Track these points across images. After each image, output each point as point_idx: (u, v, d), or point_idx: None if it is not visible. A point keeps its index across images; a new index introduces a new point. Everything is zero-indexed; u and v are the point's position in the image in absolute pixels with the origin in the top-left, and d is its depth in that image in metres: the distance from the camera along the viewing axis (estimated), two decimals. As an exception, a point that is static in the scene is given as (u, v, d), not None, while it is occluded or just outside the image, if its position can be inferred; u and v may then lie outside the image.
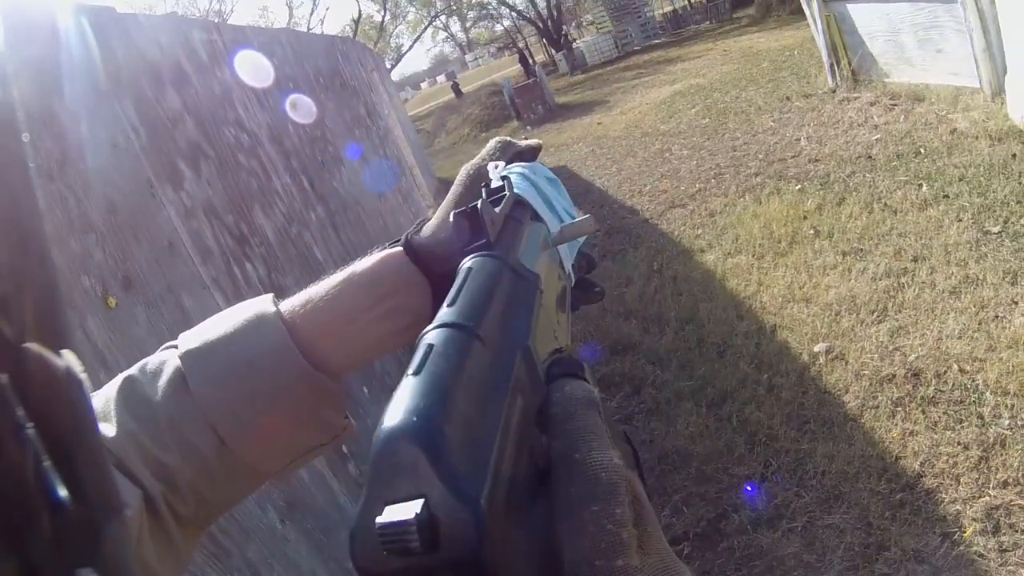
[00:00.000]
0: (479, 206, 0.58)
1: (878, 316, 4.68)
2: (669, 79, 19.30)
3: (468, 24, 60.44)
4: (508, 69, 55.29)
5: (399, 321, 0.81)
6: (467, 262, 0.53)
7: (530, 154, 0.93)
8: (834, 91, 10.21)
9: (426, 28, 57.59)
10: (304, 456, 0.81)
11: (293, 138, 5.45)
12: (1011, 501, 3.05)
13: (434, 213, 0.86)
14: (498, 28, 60.49)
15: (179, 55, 3.63)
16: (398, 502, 0.32)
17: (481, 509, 0.32)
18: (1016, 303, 4.25)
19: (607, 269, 7.05)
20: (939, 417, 3.61)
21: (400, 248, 0.83)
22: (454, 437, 0.34)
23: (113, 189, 2.51)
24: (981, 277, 4.64)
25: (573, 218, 0.81)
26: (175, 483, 0.71)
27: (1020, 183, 5.61)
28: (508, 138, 0.93)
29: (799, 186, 7.37)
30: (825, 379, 4.26)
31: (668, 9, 41.42)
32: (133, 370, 0.75)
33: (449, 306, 0.45)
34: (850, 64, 10.03)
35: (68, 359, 0.25)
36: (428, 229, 0.83)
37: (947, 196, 5.90)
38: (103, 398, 0.72)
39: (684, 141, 11.30)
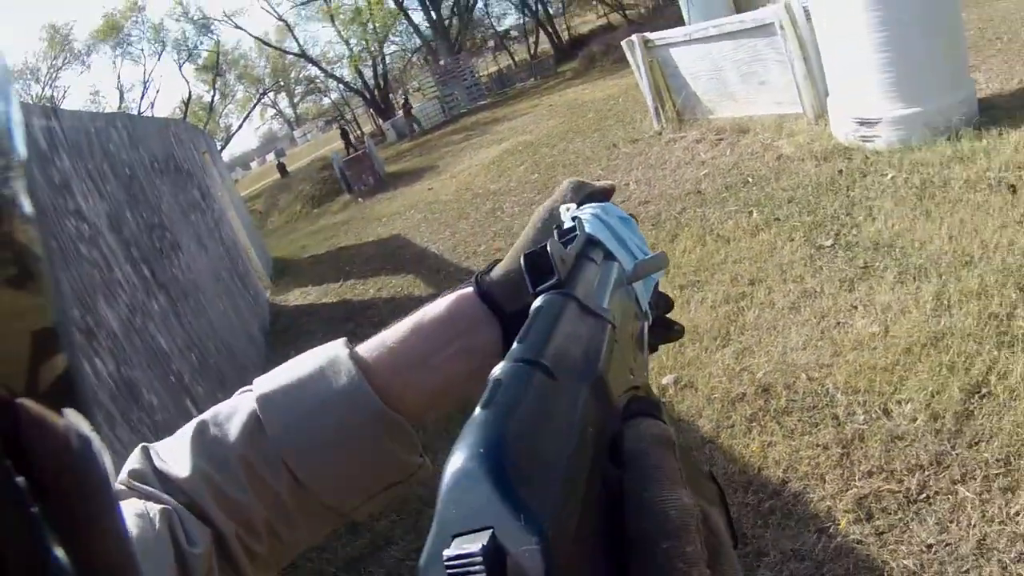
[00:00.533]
0: (548, 245, 0.57)
1: (721, 341, 4.83)
2: (497, 138, 19.78)
3: (296, 99, 60.98)
4: (337, 143, 56.04)
5: (471, 362, 0.82)
6: (538, 301, 0.53)
7: (602, 195, 0.93)
8: (660, 133, 10.62)
9: (255, 106, 58.68)
10: (379, 495, 0.82)
11: (132, 225, 5.47)
12: (879, 488, 3.17)
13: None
14: (326, 101, 61.48)
15: None
16: (465, 535, 0.32)
17: (548, 540, 0.32)
18: (855, 307, 4.46)
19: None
20: (795, 425, 3.73)
21: (471, 289, 0.85)
22: (521, 468, 0.35)
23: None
24: (819, 289, 4.87)
25: (647, 256, 0.81)
26: (250, 521, 0.74)
27: (848, 196, 5.95)
28: (581, 179, 0.95)
29: (631, 229, 7.56)
30: (677, 408, 4.35)
31: (493, 69, 42.40)
32: (208, 414, 0.78)
33: (520, 343, 0.45)
34: (675, 105, 10.48)
35: (72, 418, 0.24)
36: (499, 269, 0.86)
37: (778, 219, 6.18)
38: (179, 440, 0.76)
39: (515, 198, 11.52)
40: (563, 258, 0.59)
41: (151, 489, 0.73)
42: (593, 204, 0.88)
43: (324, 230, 18.63)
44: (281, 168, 44.33)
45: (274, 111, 65.34)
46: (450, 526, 0.33)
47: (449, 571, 0.31)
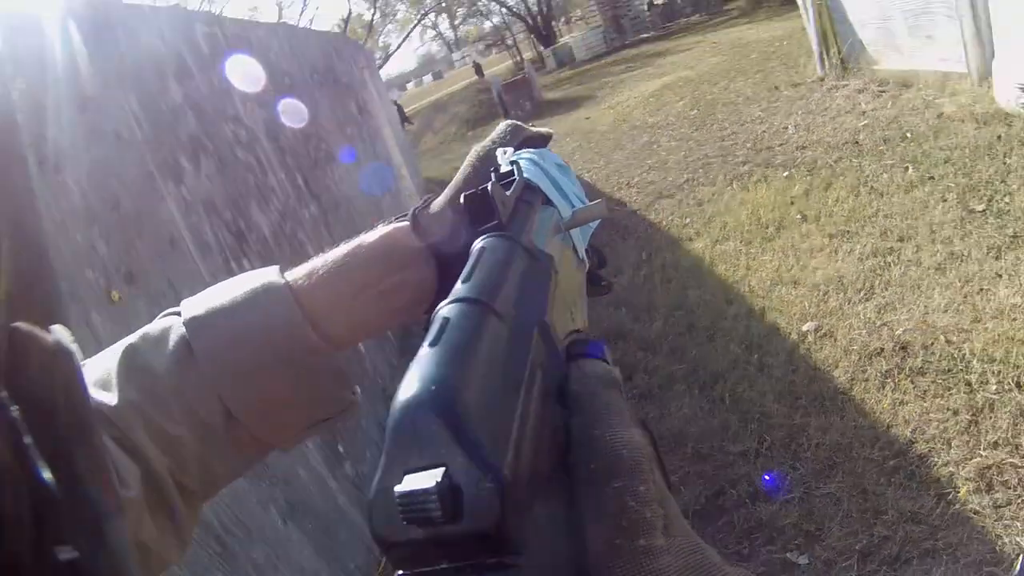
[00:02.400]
0: (490, 188, 0.57)
1: (865, 294, 4.75)
2: (658, 72, 19.29)
3: (457, 21, 60.03)
4: (496, 67, 55.22)
5: (402, 297, 0.80)
6: (480, 242, 0.54)
7: (540, 141, 0.92)
8: (823, 79, 10.28)
9: (416, 25, 57.26)
10: (310, 429, 0.78)
11: (288, 135, 5.43)
12: (1002, 460, 3.12)
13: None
14: (487, 25, 60.26)
15: (181, 48, 3.63)
16: (417, 471, 0.32)
17: (504, 479, 0.31)
18: (1000, 276, 4.33)
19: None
20: (928, 386, 3.68)
21: (407, 223, 0.82)
22: (473, 407, 0.34)
23: (117, 182, 2.51)
24: (966, 253, 4.72)
25: (584, 203, 0.82)
26: (181, 456, 0.69)
27: (1004, 163, 5.70)
28: (518, 123, 0.92)
29: (786, 173, 7.44)
30: (815, 356, 4.34)
31: (660, 1, 41.40)
32: (134, 338, 0.73)
33: (464, 282, 0.45)
34: (839, 52, 10.09)
35: (59, 333, 0.25)
36: (436, 207, 0.82)
37: (932, 178, 5.98)
38: (102, 368, 0.70)
39: (672, 133, 11.34)
40: (503, 201, 0.59)
41: None
42: (530, 150, 0.87)
43: (478, 153, 18.51)
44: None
45: (434, 32, 64.49)
46: (401, 461, 0.32)
47: (402, 507, 0.30)
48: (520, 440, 0.35)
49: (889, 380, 3.85)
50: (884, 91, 8.63)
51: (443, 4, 56.04)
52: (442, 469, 0.31)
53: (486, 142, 0.88)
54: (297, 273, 0.78)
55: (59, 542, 0.22)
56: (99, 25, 2.79)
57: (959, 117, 6.94)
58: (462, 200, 0.59)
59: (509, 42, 58.27)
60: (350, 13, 52.35)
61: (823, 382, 4.06)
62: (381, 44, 55.83)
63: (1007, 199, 5.16)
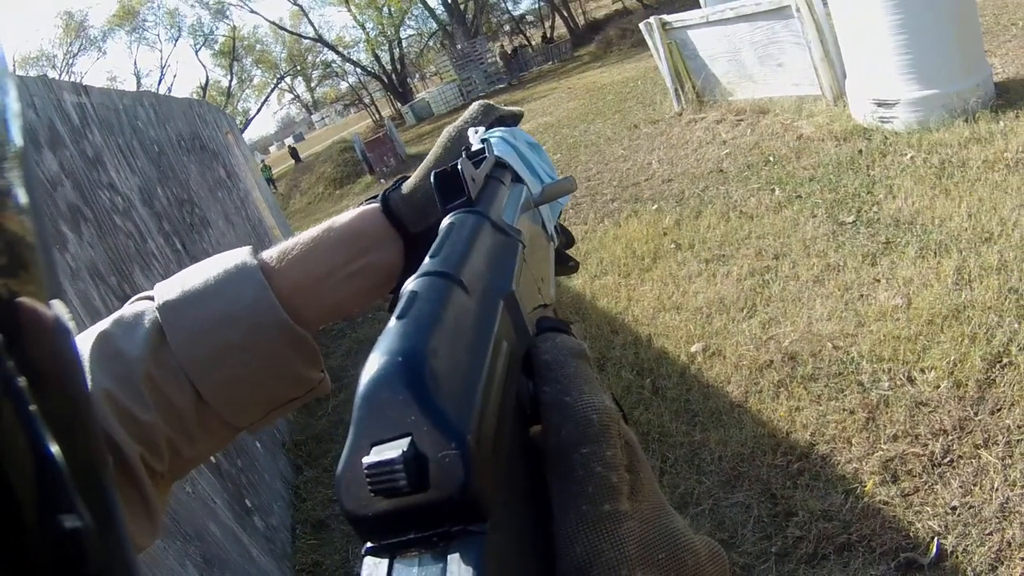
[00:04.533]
0: (459, 165, 0.58)
1: (748, 312, 4.86)
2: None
3: (313, 84, 60.49)
4: (356, 126, 55.53)
5: (372, 278, 0.82)
6: (449, 218, 0.54)
7: (511, 120, 0.94)
8: (680, 114, 10.58)
9: (272, 91, 57.84)
10: (278, 410, 0.80)
11: (162, 200, 5.48)
12: (904, 451, 3.22)
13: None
14: (343, 85, 60.82)
15: (53, 117, 3.66)
16: (384, 443, 0.32)
17: (469, 446, 0.32)
18: (878, 280, 4.50)
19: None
20: (821, 391, 3.77)
21: (377, 205, 0.85)
22: (439, 376, 0.34)
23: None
24: (842, 263, 4.90)
25: (554, 180, 0.83)
26: (153, 442, 0.69)
27: (868, 175, 5.97)
28: (489, 102, 0.95)
29: (655, 206, 7.60)
30: (706, 375, 4.40)
31: (510, 52, 42.19)
32: (106, 324, 0.73)
33: (432, 257, 0.46)
34: (694, 87, 10.44)
35: (57, 309, 0.25)
36: (407, 187, 0.85)
37: (800, 196, 6.21)
38: None
39: (537, 177, 11.48)
40: (473, 177, 0.60)
41: None
42: (502, 128, 0.89)
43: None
44: (294, 153, 41.83)
45: (292, 95, 64.75)
46: (367, 434, 0.33)
47: (369, 478, 0.31)
48: (485, 408, 0.35)
49: (782, 389, 3.93)
50: (742, 120, 8.94)
51: (298, 68, 56.31)
52: (408, 439, 0.32)
53: (458, 122, 0.92)
54: (269, 254, 0.80)
55: (63, 510, 0.22)
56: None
57: (818, 136, 7.25)
58: (432, 178, 0.59)
59: (367, 100, 58.92)
60: (208, 80, 52.84)
61: (718, 398, 4.12)
62: (241, 109, 56.05)
63: (875, 208, 5.38)
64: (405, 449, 0.31)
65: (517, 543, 0.36)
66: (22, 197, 0.23)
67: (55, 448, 0.22)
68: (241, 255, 0.77)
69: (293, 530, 4.79)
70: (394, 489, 0.31)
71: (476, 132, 0.84)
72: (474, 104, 0.95)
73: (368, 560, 0.31)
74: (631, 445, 0.41)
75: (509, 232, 0.57)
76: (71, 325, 0.26)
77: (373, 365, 0.35)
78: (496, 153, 0.75)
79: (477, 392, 0.35)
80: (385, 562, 0.31)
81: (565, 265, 0.91)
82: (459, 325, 0.39)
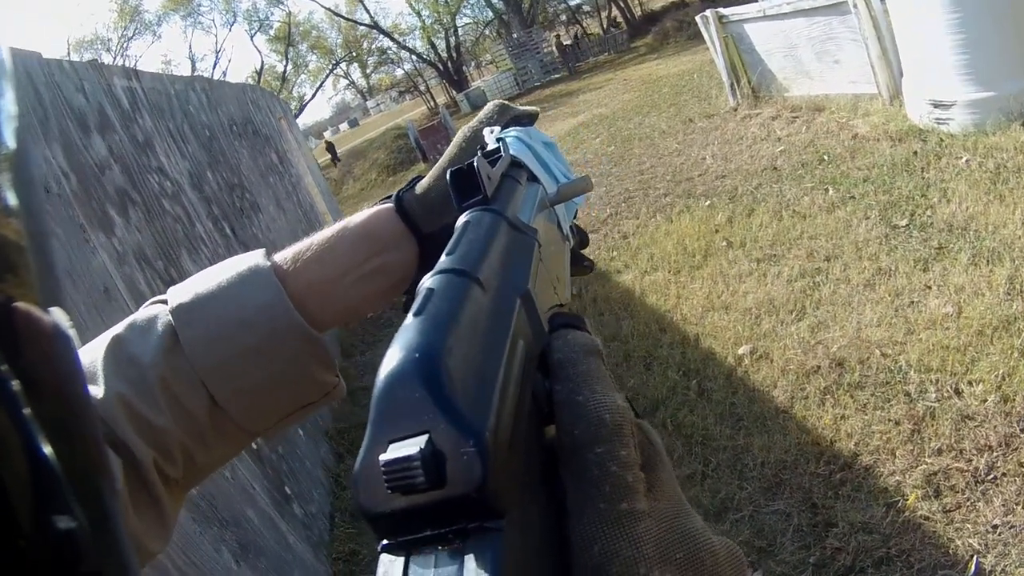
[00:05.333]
0: (475, 163, 0.58)
1: (797, 315, 4.84)
2: (572, 111, 19.50)
3: (368, 70, 60.46)
4: (411, 112, 55.51)
5: (387, 278, 0.83)
6: (465, 216, 0.55)
7: (527, 119, 0.94)
8: (735, 109, 10.49)
9: (327, 76, 57.74)
10: (294, 415, 0.79)
11: (212, 185, 5.50)
12: (948, 466, 3.19)
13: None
14: (399, 72, 60.75)
15: (103, 102, 3.67)
16: (402, 440, 0.32)
17: (486, 444, 0.32)
18: (929, 287, 4.45)
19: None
20: (867, 399, 3.75)
21: (391, 205, 0.85)
22: (456, 374, 0.35)
23: (48, 234, 2.53)
24: (893, 268, 4.85)
25: (570, 179, 0.84)
26: (167, 447, 0.69)
27: (923, 178, 5.89)
28: (505, 102, 0.96)
29: (708, 202, 7.56)
30: (752, 378, 4.39)
31: (567, 43, 41.93)
32: (120, 328, 0.73)
33: (448, 255, 0.46)
34: (750, 82, 10.35)
35: (56, 315, 0.25)
36: (421, 187, 0.85)
37: (853, 197, 6.14)
38: (88, 359, 0.70)
39: (591, 170, 11.40)
40: (489, 176, 0.60)
41: None
42: (517, 128, 0.90)
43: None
44: (331, 150, 38.02)
45: (347, 81, 64.75)
46: (386, 431, 0.33)
47: (387, 475, 0.31)
48: (502, 407, 0.35)
49: (828, 396, 3.91)
50: (797, 117, 8.86)
51: (353, 54, 56.33)
52: (426, 436, 0.32)
53: (473, 122, 0.92)
54: (284, 255, 0.80)
55: (58, 512, 0.22)
56: (20, 80, 2.77)
57: (874, 136, 7.16)
58: (448, 176, 0.59)
59: (422, 88, 58.96)
60: (263, 65, 53.00)
61: (763, 402, 4.11)
62: (296, 95, 55.98)
63: (929, 212, 5.32)
64: (423, 446, 0.31)
65: (533, 541, 0.36)
66: (11, 200, 0.23)
67: (49, 450, 0.22)
68: (255, 258, 0.77)
69: (332, 518, 4.83)
70: (411, 486, 0.31)
71: (492, 132, 0.84)
72: (489, 104, 0.96)
73: (384, 557, 0.32)
74: (653, 444, 0.42)
75: (525, 231, 0.57)
76: (71, 332, 0.26)
77: (390, 362, 0.35)
78: (512, 152, 0.76)
79: (494, 390, 0.36)
80: (401, 559, 0.32)
81: (580, 265, 0.91)
82: (476, 323, 0.40)
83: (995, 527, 2.88)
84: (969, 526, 2.92)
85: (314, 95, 58.05)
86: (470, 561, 0.30)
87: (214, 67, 51.48)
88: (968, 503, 3.02)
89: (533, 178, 0.77)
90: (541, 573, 0.36)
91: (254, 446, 3.69)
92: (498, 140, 0.75)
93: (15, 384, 0.21)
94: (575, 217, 0.92)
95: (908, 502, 3.11)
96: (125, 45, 48.28)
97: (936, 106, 6.56)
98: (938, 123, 6.60)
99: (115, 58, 45.69)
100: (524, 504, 0.35)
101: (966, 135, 6.26)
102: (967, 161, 5.84)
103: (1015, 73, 6.06)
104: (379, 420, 0.34)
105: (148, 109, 4.56)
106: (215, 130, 6.56)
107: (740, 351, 4.69)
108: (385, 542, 0.33)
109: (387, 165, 27.51)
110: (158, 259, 3.59)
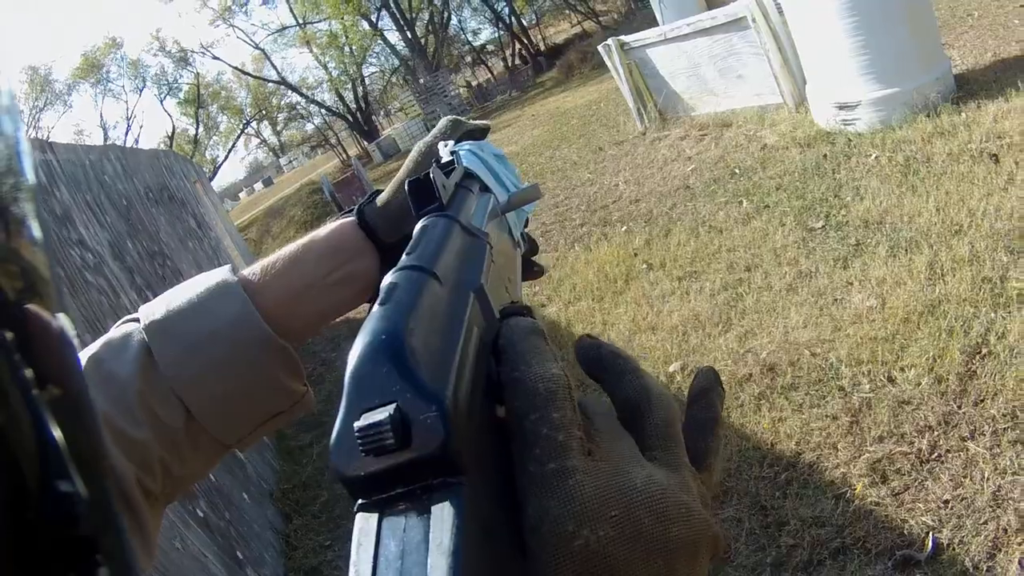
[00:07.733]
0: (431, 174, 0.61)
1: (723, 327, 4.88)
2: (481, 153, 19.54)
3: (279, 127, 60.49)
4: (325, 166, 55.66)
5: (351, 287, 0.87)
6: (422, 221, 0.58)
7: (479, 133, 1.00)
8: (644, 134, 10.65)
9: (239, 136, 57.45)
10: (266, 424, 0.83)
11: (133, 254, 5.51)
12: (891, 451, 3.24)
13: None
14: (309, 127, 60.84)
15: None
16: (373, 409, 0.36)
17: (447, 409, 0.35)
18: (851, 284, 4.54)
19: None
20: (802, 399, 3.79)
21: (353, 218, 0.90)
22: (418, 351, 0.38)
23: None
24: (814, 269, 4.94)
25: (520, 188, 0.87)
26: (147, 461, 0.72)
27: (835, 179, 6.03)
28: (458, 117, 1.00)
29: (625, 227, 7.63)
30: (686, 393, 4.38)
31: (473, 84, 42.30)
32: (95, 348, 0.77)
33: (408, 254, 0.49)
34: (656, 105, 10.52)
35: (63, 321, 0.26)
36: (381, 200, 0.91)
37: (768, 206, 6.26)
38: None
39: (504, 208, 11.49)
40: (444, 185, 0.63)
41: None
42: (470, 141, 0.95)
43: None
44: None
45: (258, 140, 64.73)
46: (358, 404, 0.37)
47: (360, 439, 0.34)
48: (460, 380, 0.39)
49: (764, 401, 3.94)
50: (706, 134, 9.02)
51: (263, 112, 56.35)
52: (394, 404, 0.35)
53: (428, 137, 0.99)
54: (252, 270, 0.85)
55: (60, 478, 0.23)
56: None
57: (783, 145, 7.32)
58: (406, 186, 0.62)
59: (333, 141, 59.21)
60: (174, 129, 52.77)
61: (700, 415, 4.11)
62: (209, 157, 55.86)
63: (844, 211, 5.43)
64: (392, 412, 0.34)
65: (491, 507, 0.38)
66: (36, 230, 0.24)
67: (57, 433, 0.23)
68: (222, 273, 0.81)
69: (286, 579, 4.78)
70: (382, 447, 0.34)
71: (446, 145, 0.89)
72: (443, 119, 1.00)
73: (360, 516, 0.35)
74: (604, 415, 0.45)
75: (478, 234, 0.60)
76: (76, 341, 0.27)
77: (359, 345, 0.39)
78: (464, 164, 0.79)
79: (452, 366, 0.39)
80: (375, 516, 0.34)
81: (531, 270, 0.95)
82: (435, 311, 0.43)
83: (946, 502, 2.92)
84: (920, 505, 2.96)
85: (227, 156, 57.92)
86: (436, 511, 0.33)
87: (126, 134, 51.15)
88: (916, 483, 3.06)
89: (485, 188, 0.80)
90: (500, 534, 0.39)
91: (200, 514, 3.74)
92: (452, 153, 0.82)
93: (28, 372, 0.22)
94: (526, 226, 0.96)
95: (856, 491, 3.14)
96: (37, 116, 48.01)
97: (842, 108, 6.73)
98: (845, 124, 6.77)
99: (28, 129, 45.14)
100: (483, 470, 0.38)
101: (873, 132, 6.44)
102: (876, 157, 6.00)
103: (915, 67, 6.27)
104: (352, 394, 0.37)
105: (64, 181, 4.57)
106: (132, 199, 6.57)
107: (671, 368, 4.71)
108: (360, 502, 0.36)
109: (304, 221, 27.47)
110: (86, 333, 3.52)
